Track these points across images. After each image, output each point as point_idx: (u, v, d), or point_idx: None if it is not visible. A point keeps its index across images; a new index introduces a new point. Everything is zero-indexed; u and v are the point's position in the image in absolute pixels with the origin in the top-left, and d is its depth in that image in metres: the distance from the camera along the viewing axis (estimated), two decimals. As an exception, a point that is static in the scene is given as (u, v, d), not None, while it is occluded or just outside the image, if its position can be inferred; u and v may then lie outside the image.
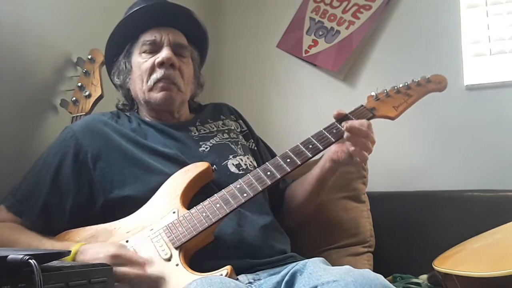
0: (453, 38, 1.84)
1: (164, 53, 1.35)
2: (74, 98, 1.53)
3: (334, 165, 1.31)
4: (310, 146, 1.23)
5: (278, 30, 2.13)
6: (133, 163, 1.26)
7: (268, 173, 1.20)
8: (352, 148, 1.23)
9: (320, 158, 1.36)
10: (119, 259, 1.06)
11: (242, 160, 1.33)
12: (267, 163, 1.23)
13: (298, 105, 2.09)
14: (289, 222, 1.41)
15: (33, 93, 1.53)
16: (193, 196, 1.23)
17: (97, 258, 1.05)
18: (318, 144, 1.23)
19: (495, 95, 1.78)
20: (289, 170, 1.20)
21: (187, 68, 1.40)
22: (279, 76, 2.14)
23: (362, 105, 1.34)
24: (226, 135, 1.41)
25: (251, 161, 1.36)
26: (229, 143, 1.38)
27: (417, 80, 1.40)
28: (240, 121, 1.52)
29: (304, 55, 2.07)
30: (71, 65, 1.62)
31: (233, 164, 1.31)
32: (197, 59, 1.48)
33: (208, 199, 1.17)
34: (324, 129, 1.26)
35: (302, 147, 1.23)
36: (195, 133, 1.39)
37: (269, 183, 1.18)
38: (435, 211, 1.64)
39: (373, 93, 1.37)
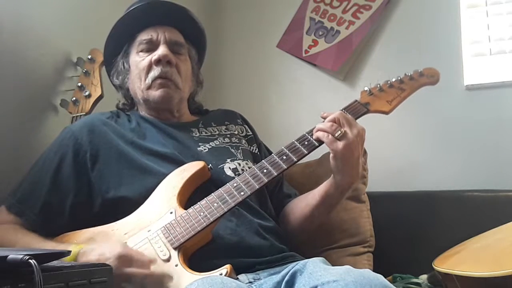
0: (453, 38, 1.84)
1: (161, 50, 1.35)
2: (74, 98, 1.53)
3: (335, 175, 1.24)
4: (306, 143, 1.23)
5: (278, 30, 2.13)
6: (130, 165, 1.25)
7: (265, 170, 1.19)
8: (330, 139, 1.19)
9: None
10: (126, 259, 1.06)
11: (239, 165, 1.32)
12: (263, 160, 1.23)
13: (298, 105, 2.09)
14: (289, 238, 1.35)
15: (33, 93, 1.52)
16: (189, 196, 1.22)
17: (103, 259, 1.04)
18: (314, 140, 1.23)
19: (495, 95, 1.78)
20: (285, 167, 1.20)
21: (184, 66, 1.40)
22: (279, 76, 2.14)
23: (356, 100, 1.33)
24: (227, 139, 1.40)
25: (249, 167, 1.33)
26: (229, 147, 1.37)
27: (409, 74, 1.40)
28: (246, 126, 1.51)
29: (304, 55, 2.07)
30: (71, 65, 1.62)
31: (229, 168, 1.30)
32: (195, 57, 1.48)
33: (205, 198, 1.17)
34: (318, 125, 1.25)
35: (297, 144, 1.23)
36: (196, 134, 1.39)
37: (266, 180, 1.18)
38: (435, 211, 1.63)
39: (366, 88, 1.36)
